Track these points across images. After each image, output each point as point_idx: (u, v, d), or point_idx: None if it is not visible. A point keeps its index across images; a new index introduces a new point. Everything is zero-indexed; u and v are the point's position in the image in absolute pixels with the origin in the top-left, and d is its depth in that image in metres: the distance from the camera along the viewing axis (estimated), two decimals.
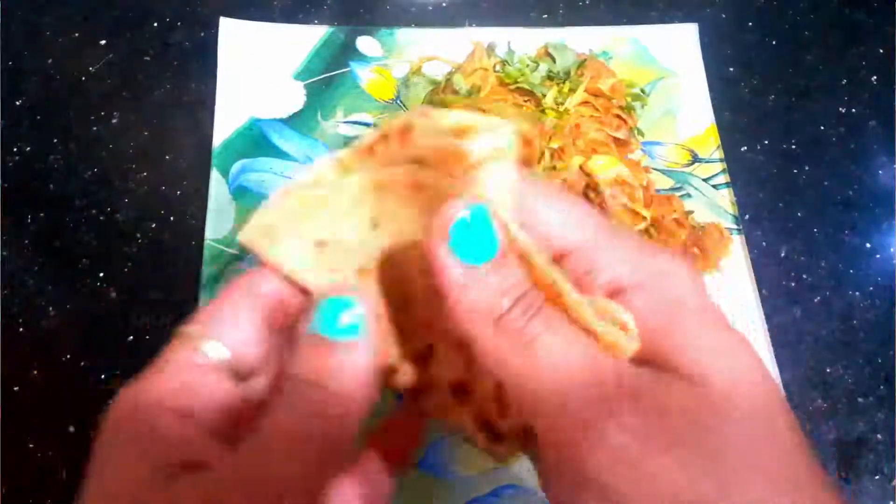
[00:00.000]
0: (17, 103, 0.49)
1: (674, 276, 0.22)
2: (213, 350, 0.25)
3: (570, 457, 0.20)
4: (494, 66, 0.46)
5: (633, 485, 0.19)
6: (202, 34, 0.52)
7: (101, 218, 0.45)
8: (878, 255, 0.47)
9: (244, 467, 0.21)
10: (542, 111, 0.43)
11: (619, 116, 0.45)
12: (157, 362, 0.25)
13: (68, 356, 0.40)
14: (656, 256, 0.23)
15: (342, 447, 0.22)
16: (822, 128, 0.51)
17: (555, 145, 0.41)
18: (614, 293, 0.22)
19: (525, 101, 0.44)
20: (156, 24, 0.52)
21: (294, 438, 0.21)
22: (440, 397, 0.25)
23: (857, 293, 0.45)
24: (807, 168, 0.50)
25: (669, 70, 0.53)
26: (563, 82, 0.45)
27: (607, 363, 0.21)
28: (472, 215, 0.21)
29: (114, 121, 0.48)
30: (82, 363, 0.40)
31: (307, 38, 0.52)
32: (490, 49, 0.47)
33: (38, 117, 0.48)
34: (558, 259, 0.23)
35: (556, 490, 0.22)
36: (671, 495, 0.19)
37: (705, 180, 0.48)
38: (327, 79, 0.51)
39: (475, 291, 0.21)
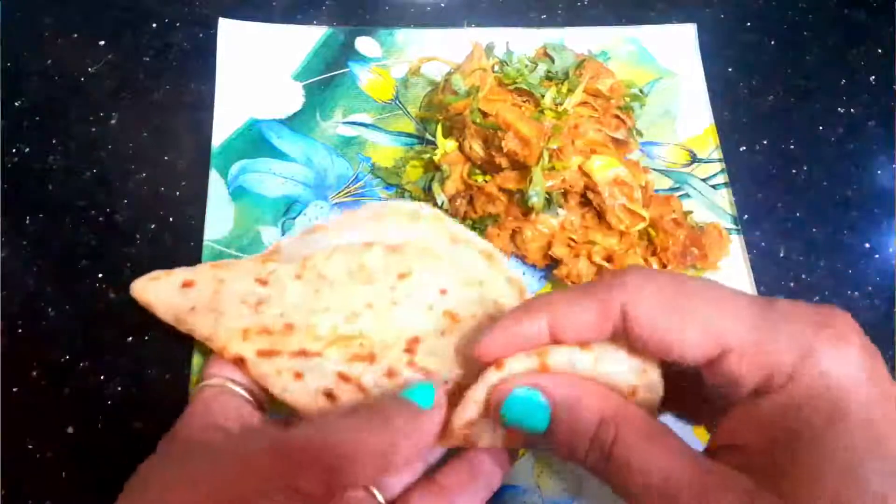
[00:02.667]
0: (17, 103, 0.49)
1: (838, 361, 0.23)
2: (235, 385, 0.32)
3: None
4: (493, 67, 0.46)
5: None
6: (201, 35, 0.52)
7: (101, 218, 0.45)
8: (877, 256, 0.47)
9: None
10: (541, 111, 0.43)
11: (617, 117, 0.45)
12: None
13: (68, 356, 0.40)
14: (818, 335, 0.23)
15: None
16: (822, 128, 0.51)
17: (553, 146, 0.41)
18: (763, 392, 0.23)
19: (524, 102, 0.44)
20: (155, 25, 0.52)
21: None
22: None
23: (857, 293, 0.45)
24: (806, 168, 0.50)
25: (668, 70, 0.53)
26: (562, 83, 0.45)
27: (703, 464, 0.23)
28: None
29: (113, 121, 0.48)
30: (82, 363, 0.40)
31: (306, 38, 0.52)
32: (489, 49, 0.47)
33: (38, 117, 0.48)
34: (715, 363, 0.25)
35: None
36: None
37: (704, 180, 0.48)
38: (326, 79, 0.51)
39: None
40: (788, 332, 0.24)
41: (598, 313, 0.26)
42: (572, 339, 0.27)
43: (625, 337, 0.26)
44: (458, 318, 0.33)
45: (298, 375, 0.31)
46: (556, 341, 0.27)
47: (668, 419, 0.31)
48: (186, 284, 0.35)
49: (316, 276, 0.34)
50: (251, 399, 0.32)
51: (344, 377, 0.31)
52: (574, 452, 0.26)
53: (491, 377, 0.28)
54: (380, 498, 0.30)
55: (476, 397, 0.28)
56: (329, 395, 0.31)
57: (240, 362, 0.32)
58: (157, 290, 0.35)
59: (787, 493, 0.22)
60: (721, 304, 0.25)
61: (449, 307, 0.33)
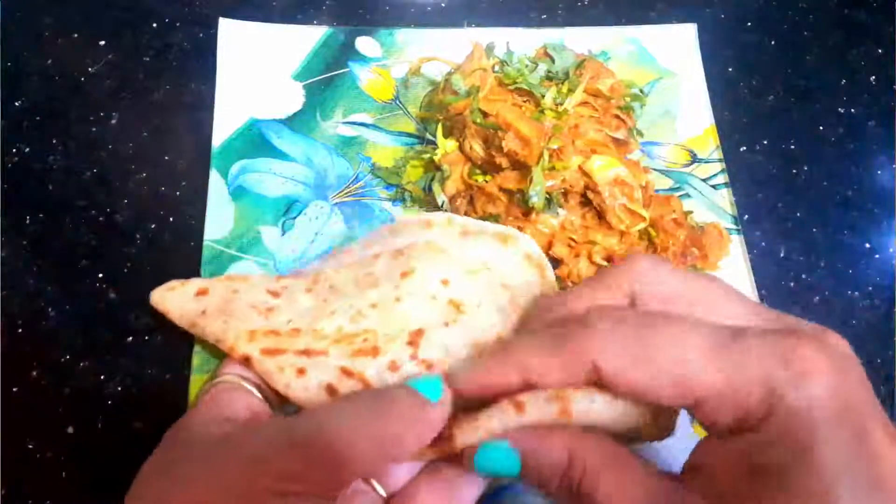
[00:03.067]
0: (17, 103, 0.49)
1: (803, 399, 0.23)
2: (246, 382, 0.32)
3: None
4: (493, 67, 0.46)
5: None
6: (202, 35, 0.52)
7: (101, 218, 0.45)
8: (877, 256, 0.47)
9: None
10: (541, 111, 0.43)
11: (618, 117, 0.45)
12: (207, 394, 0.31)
13: (68, 356, 0.40)
14: (785, 372, 0.24)
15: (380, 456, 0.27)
16: (822, 128, 0.51)
17: (554, 146, 0.41)
18: (738, 431, 0.24)
19: (524, 102, 0.44)
20: (155, 25, 0.52)
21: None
22: None
23: (857, 293, 0.45)
24: (806, 168, 0.50)
25: (668, 70, 0.53)
26: (562, 83, 0.45)
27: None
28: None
29: (113, 121, 0.48)
30: (82, 363, 0.40)
31: (306, 38, 0.52)
32: (489, 49, 0.47)
33: (38, 117, 0.48)
34: (690, 407, 0.26)
35: None
36: None
37: (704, 180, 0.48)
38: (326, 79, 0.51)
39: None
40: (756, 374, 0.24)
41: (568, 371, 0.26)
42: (546, 388, 0.28)
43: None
44: (463, 307, 0.33)
45: (301, 371, 0.31)
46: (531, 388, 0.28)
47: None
48: (201, 292, 0.36)
49: (326, 288, 0.34)
50: (260, 396, 0.32)
51: (347, 372, 0.31)
52: (548, 489, 0.27)
53: (510, 417, 0.28)
54: (381, 491, 0.30)
55: (489, 427, 0.28)
56: (331, 389, 0.31)
57: (246, 361, 0.32)
58: (173, 299, 0.36)
59: None
60: (687, 348, 0.25)
61: (452, 296, 0.33)
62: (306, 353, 0.32)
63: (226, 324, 0.34)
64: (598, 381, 0.26)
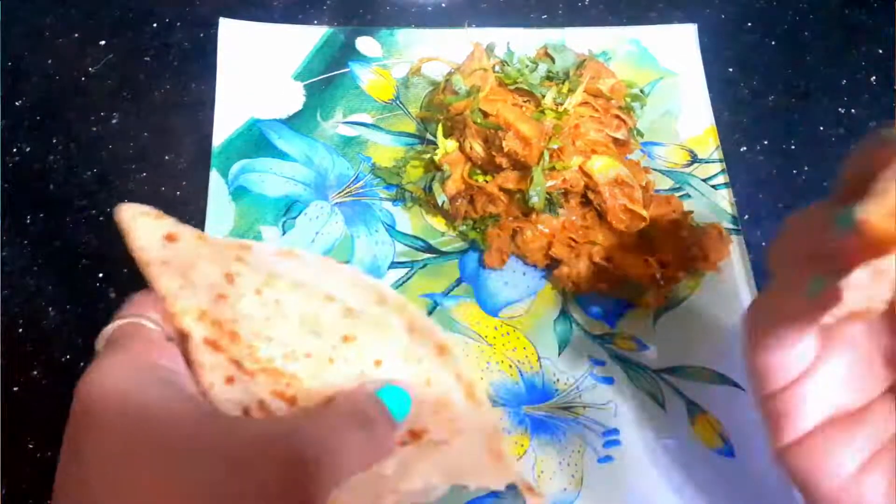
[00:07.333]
0: (17, 103, 0.49)
1: None
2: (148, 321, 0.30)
3: None
4: (494, 67, 0.46)
5: None
6: (202, 34, 0.52)
7: (101, 218, 0.45)
8: None
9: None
10: (542, 111, 0.43)
11: (618, 117, 0.45)
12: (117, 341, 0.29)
13: (68, 356, 0.40)
14: None
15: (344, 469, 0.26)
16: (822, 128, 0.51)
17: (554, 146, 0.41)
18: None
19: (525, 102, 0.44)
20: (156, 24, 0.52)
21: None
22: None
23: None
24: (806, 169, 0.50)
25: (669, 70, 0.53)
26: (563, 83, 0.45)
27: None
28: None
29: (114, 121, 0.48)
30: (82, 363, 0.40)
31: (307, 38, 0.52)
32: (489, 49, 0.47)
33: (38, 117, 0.48)
34: None
35: None
36: None
37: (705, 181, 0.48)
38: (327, 79, 0.51)
39: None
40: None
41: None
42: None
43: None
44: None
45: (230, 380, 0.31)
46: None
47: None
48: (169, 237, 0.33)
49: (273, 300, 0.33)
50: (164, 333, 0.30)
51: (263, 405, 0.31)
52: None
53: None
54: None
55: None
56: (246, 412, 0.31)
57: (182, 337, 0.31)
58: (143, 226, 0.33)
59: None
60: None
61: (381, 377, 0.32)
62: (237, 364, 0.31)
63: (181, 289, 0.32)
64: None
